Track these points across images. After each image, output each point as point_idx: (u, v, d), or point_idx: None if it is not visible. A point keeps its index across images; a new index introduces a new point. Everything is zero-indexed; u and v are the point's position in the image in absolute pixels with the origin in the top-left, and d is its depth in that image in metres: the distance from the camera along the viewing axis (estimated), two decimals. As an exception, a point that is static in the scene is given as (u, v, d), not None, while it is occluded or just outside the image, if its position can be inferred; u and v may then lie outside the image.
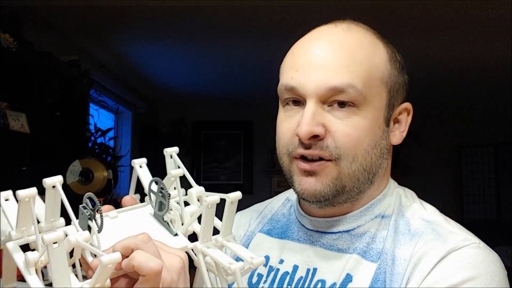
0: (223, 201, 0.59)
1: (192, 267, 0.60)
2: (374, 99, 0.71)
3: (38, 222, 0.55)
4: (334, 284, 0.72)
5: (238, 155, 5.69)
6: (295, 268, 0.77)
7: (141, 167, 0.68)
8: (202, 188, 0.66)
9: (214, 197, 0.58)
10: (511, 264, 3.35)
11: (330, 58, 0.70)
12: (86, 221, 0.55)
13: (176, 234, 0.62)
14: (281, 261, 0.79)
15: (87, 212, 0.54)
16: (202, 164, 5.64)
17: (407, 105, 0.78)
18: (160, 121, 5.45)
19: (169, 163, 0.68)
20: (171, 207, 0.64)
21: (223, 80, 4.56)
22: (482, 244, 0.69)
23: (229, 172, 5.68)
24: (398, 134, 0.78)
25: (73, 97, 2.80)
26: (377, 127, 0.72)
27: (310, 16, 2.71)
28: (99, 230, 0.54)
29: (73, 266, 0.55)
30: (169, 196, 0.61)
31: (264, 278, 0.80)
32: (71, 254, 0.54)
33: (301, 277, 0.76)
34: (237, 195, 0.59)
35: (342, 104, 0.70)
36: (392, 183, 0.81)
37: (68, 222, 0.55)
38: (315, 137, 0.69)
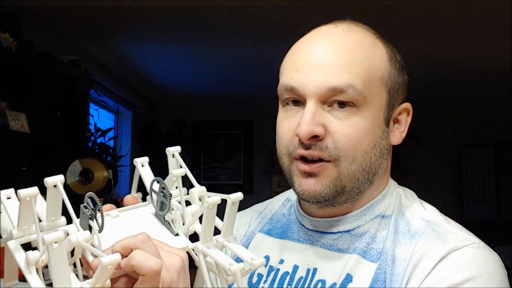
0: (224, 201, 0.59)
1: (193, 267, 0.60)
2: (374, 99, 0.71)
3: (40, 220, 0.55)
4: (334, 284, 0.72)
5: (238, 155, 5.69)
6: (295, 268, 0.77)
7: (143, 166, 0.68)
8: (203, 188, 0.66)
9: (215, 198, 0.58)
10: (511, 264, 3.34)
11: (330, 58, 0.70)
12: (87, 220, 0.55)
13: (177, 234, 0.62)
14: (281, 261, 0.79)
15: (88, 211, 0.54)
16: (202, 164, 5.64)
17: (407, 105, 0.78)
18: (160, 121, 5.45)
19: (171, 162, 0.68)
20: (173, 206, 0.64)
21: (223, 80, 4.56)
22: (482, 244, 0.69)
23: (229, 172, 5.68)
24: (398, 134, 0.78)
25: (73, 97, 2.80)
26: (377, 127, 0.72)
27: (310, 16, 2.71)
28: (100, 230, 0.54)
29: (74, 265, 0.55)
30: (171, 196, 0.61)
31: (264, 278, 0.80)
32: (72, 253, 0.54)
33: (301, 277, 0.76)
34: (238, 196, 0.59)
35: (342, 104, 0.70)
36: (392, 183, 0.81)
37: (69, 221, 0.55)
38: (315, 137, 0.69)
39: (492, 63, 3.78)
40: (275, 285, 0.77)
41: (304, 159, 0.71)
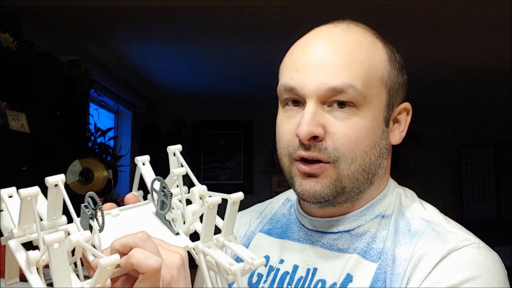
0: (224, 200, 0.60)
1: (193, 267, 0.60)
2: (374, 99, 0.71)
3: (41, 219, 0.55)
4: (335, 284, 0.72)
5: (238, 155, 5.69)
6: (295, 268, 0.77)
7: (144, 165, 0.68)
8: (204, 187, 0.66)
9: (216, 198, 0.58)
10: (511, 264, 3.34)
11: (330, 59, 0.70)
12: (88, 220, 0.55)
13: (177, 233, 0.62)
14: (281, 261, 0.79)
15: (88, 211, 0.54)
16: (202, 164, 5.64)
17: (407, 105, 0.78)
18: (160, 121, 5.45)
19: (172, 161, 0.68)
20: (173, 205, 0.64)
21: (223, 80, 4.56)
22: (482, 244, 0.69)
23: (229, 172, 5.68)
24: (397, 134, 0.78)
25: (73, 97, 2.80)
26: (377, 127, 0.72)
27: (310, 16, 2.71)
28: (100, 230, 0.54)
29: (75, 264, 0.55)
30: (171, 195, 0.61)
31: (264, 278, 0.80)
32: (73, 252, 0.54)
33: (301, 277, 0.76)
34: (239, 195, 0.59)
35: (341, 104, 0.70)
36: (392, 183, 0.81)
37: (70, 220, 0.56)
38: (315, 138, 0.69)
39: (492, 63, 3.78)
40: (275, 285, 0.77)
41: (304, 160, 0.71)
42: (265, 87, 2.46)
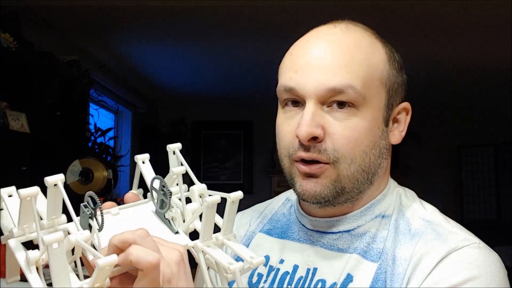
0: (224, 199, 0.60)
1: (193, 266, 0.60)
2: (373, 100, 0.71)
3: (41, 218, 0.55)
4: (335, 284, 0.72)
5: (238, 155, 5.69)
6: (295, 268, 0.77)
7: (143, 163, 0.68)
8: (204, 186, 0.66)
9: (215, 197, 0.58)
10: (511, 264, 3.34)
11: (329, 59, 0.70)
12: (87, 219, 0.55)
13: (177, 232, 0.62)
14: (281, 261, 0.79)
15: (88, 210, 0.54)
16: (202, 164, 5.64)
17: (406, 104, 0.78)
18: (160, 121, 5.45)
19: (171, 159, 0.68)
20: (173, 204, 0.64)
21: (223, 80, 4.56)
22: (482, 244, 0.69)
23: (229, 172, 5.68)
24: (397, 134, 0.78)
25: (73, 97, 2.80)
26: (376, 127, 0.72)
27: (310, 16, 2.71)
28: (100, 229, 0.54)
29: (76, 263, 0.55)
30: (171, 194, 0.61)
31: (264, 278, 0.80)
32: (72, 251, 0.54)
33: (301, 276, 0.76)
34: (238, 194, 0.59)
35: (341, 105, 0.70)
36: (392, 183, 0.81)
37: (69, 220, 0.56)
38: (315, 138, 0.69)
39: (492, 63, 3.78)
40: (275, 285, 0.77)
41: (304, 160, 0.71)
42: (265, 87, 2.47)
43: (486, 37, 3.23)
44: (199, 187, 0.66)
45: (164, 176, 0.64)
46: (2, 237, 0.56)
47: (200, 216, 0.60)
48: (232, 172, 5.68)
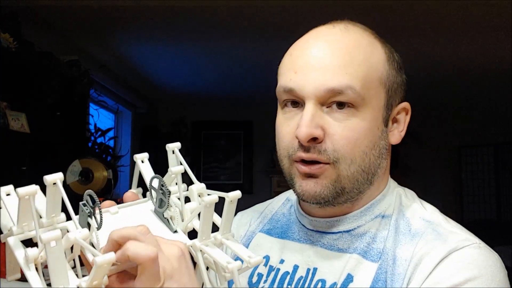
0: (222, 199, 0.60)
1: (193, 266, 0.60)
2: (373, 100, 0.71)
3: (40, 217, 0.55)
4: (335, 284, 0.72)
5: (238, 155, 5.69)
6: (295, 268, 0.77)
7: (143, 162, 0.68)
8: (203, 185, 0.67)
9: (213, 196, 0.58)
10: (511, 264, 3.34)
11: (328, 59, 0.70)
12: (86, 218, 0.55)
13: (175, 231, 0.62)
14: (282, 261, 0.79)
15: (87, 209, 0.55)
16: (202, 164, 5.64)
17: (405, 104, 0.78)
18: (160, 121, 5.45)
19: (171, 158, 0.68)
20: (172, 203, 0.64)
21: (223, 80, 4.56)
22: (483, 244, 0.69)
23: (229, 172, 5.68)
24: (396, 134, 0.78)
25: (73, 97, 2.80)
26: (376, 127, 0.72)
27: (310, 16, 2.71)
28: (98, 228, 0.55)
29: (75, 261, 0.55)
30: (169, 193, 0.61)
31: (264, 278, 0.80)
32: (72, 249, 0.54)
33: (301, 276, 0.76)
34: (236, 194, 0.59)
35: (340, 105, 0.70)
36: (392, 183, 0.81)
37: (68, 219, 0.56)
38: (314, 139, 0.69)
39: (492, 63, 3.78)
40: (275, 285, 0.77)
41: (304, 160, 0.71)
42: (265, 87, 2.46)
43: (486, 37, 3.23)
44: (198, 187, 0.66)
45: (163, 176, 0.64)
46: (1, 235, 0.56)
47: (199, 215, 0.60)
48: (232, 172, 5.68)
